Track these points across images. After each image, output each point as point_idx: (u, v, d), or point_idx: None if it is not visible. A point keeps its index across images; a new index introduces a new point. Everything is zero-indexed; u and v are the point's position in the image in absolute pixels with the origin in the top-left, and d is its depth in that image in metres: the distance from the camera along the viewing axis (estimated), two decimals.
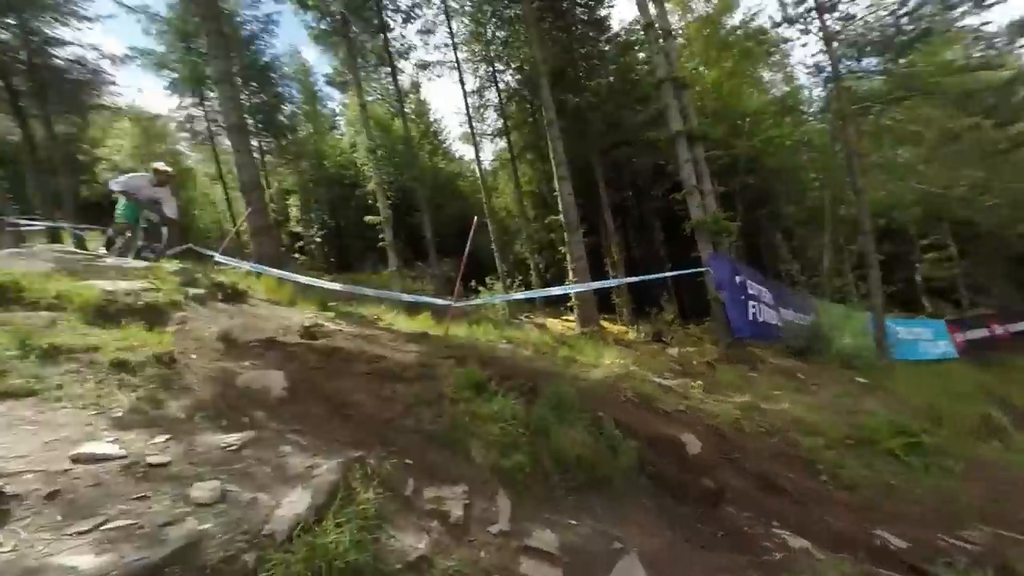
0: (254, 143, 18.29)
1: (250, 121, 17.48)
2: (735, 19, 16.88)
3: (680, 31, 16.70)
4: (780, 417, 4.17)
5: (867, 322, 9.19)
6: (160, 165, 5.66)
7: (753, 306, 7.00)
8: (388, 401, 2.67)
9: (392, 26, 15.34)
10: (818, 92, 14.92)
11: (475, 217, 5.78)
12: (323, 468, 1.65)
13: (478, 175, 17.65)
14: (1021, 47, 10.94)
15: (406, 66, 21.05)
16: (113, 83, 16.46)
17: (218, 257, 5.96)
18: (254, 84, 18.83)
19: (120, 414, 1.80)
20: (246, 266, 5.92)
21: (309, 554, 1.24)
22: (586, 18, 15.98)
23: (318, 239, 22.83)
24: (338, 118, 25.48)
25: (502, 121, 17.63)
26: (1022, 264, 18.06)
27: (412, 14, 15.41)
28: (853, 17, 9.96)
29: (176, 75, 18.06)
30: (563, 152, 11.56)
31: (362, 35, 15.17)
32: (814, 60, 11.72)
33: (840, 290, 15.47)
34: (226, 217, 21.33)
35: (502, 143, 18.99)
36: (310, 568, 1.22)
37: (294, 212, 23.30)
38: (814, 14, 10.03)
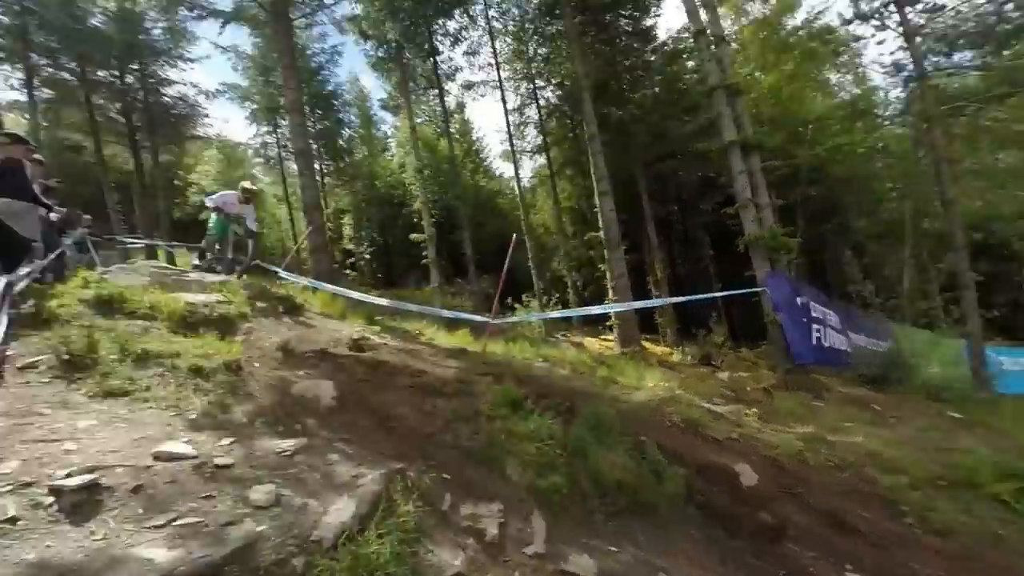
0: (316, 166, 19.87)
1: (314, 146, 19.02)
2: (796, 19, 15.96)
3: (733, 36, 16.05)
4: (852, 451, 3.79)
5: (960, 350, 8.32)
6: (246, 184, 6.35)
7: (817, 329, 6.45)
8: (428, 415, 2.74)
9: (441, 50, 16.21)
10: (897, 93, 13.82)
11: (514, 235, 5.83)
12: (367, 478, 1.73)
13: (517, 192, 17.87)
14: None
15: (452, 87, 22.03)
16: (206, 115, 19.10)
17: (281, 273, 6.47)
18: (319, 111, 20.56)
19: (194, 416, 2.00)
20: (304, 281, 6.37)
21: (352, 563, 1.30)
22: (631, 29, 15.71)
23: (367, 256, 24.15)
24: (389, 140, 27.03)
25: (542, 137, 17.82)
26: None
27: (460, 36, 16.20)
28: (942, 8, 9.14)
29: (256, 106, 20.17)
30: (604, 166, 11.43)
31: (414, 60, 16.17)
32: (892, 58, 10.63)
33: (925, 314, 13.71)
34: (288, 235, 23.15)
35: (541, 159, 19.14)
36: None
37: (347, 230, 24.81)
38: (892, 8, 9.30)
